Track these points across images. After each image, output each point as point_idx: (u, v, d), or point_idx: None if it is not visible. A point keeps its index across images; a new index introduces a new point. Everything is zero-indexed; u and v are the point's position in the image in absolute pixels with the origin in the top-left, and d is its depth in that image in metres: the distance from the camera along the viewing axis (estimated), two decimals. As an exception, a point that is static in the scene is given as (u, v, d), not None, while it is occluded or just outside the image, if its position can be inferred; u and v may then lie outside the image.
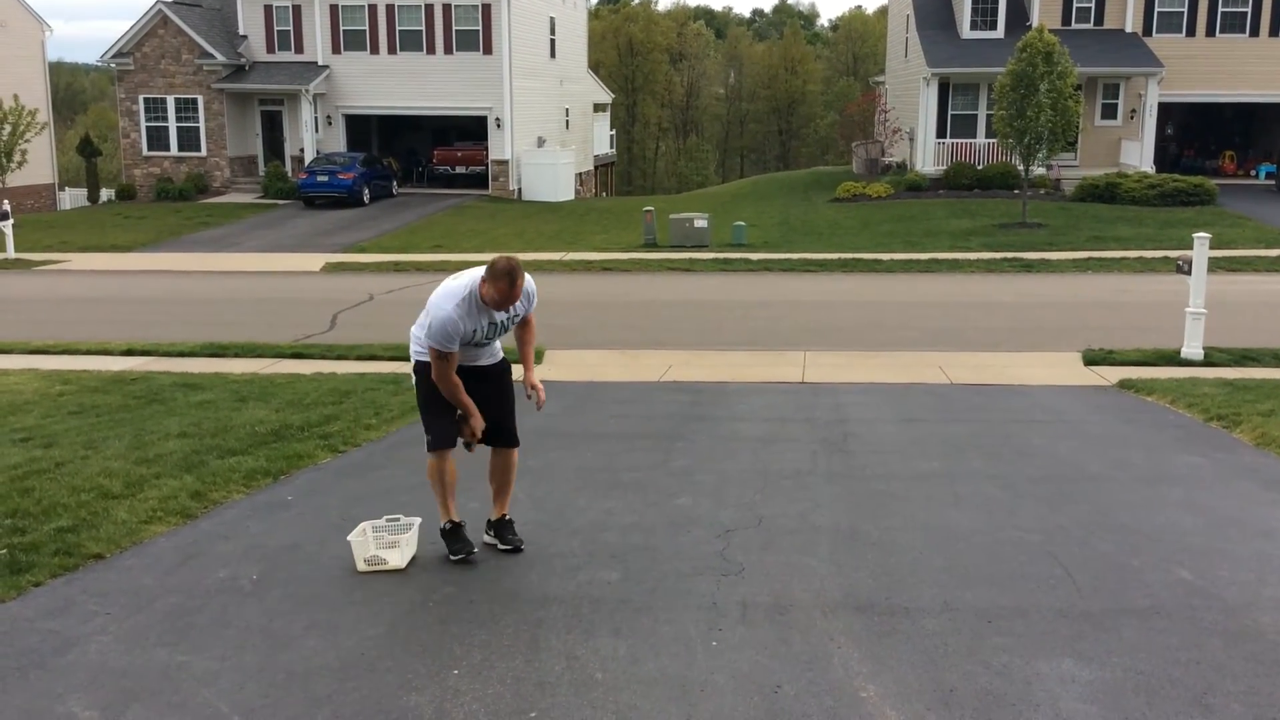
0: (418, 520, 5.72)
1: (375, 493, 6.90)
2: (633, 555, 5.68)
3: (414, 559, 5.60)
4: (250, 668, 4.42)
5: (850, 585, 5.25)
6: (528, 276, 5.52)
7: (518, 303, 5.55)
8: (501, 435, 5.86)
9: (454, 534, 5.72)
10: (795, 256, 22.20)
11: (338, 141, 35.38)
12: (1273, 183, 32.10)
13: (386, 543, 5.58)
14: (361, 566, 5.48)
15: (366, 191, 32.59)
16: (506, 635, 4.69)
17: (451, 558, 5.65)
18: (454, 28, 34.40)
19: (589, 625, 4.78)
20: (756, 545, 5.81)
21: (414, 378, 5.80)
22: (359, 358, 12.24)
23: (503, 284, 5.39)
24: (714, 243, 24.35)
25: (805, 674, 4.30)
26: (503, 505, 5.93)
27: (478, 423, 5.66)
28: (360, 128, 37.07)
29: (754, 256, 22.39)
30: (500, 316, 5.57)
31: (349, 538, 5.56)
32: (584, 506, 6.59)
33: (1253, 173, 34.20)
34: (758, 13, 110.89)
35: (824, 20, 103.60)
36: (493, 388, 5.81)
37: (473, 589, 5.22)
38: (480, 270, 5.50)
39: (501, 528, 5.88)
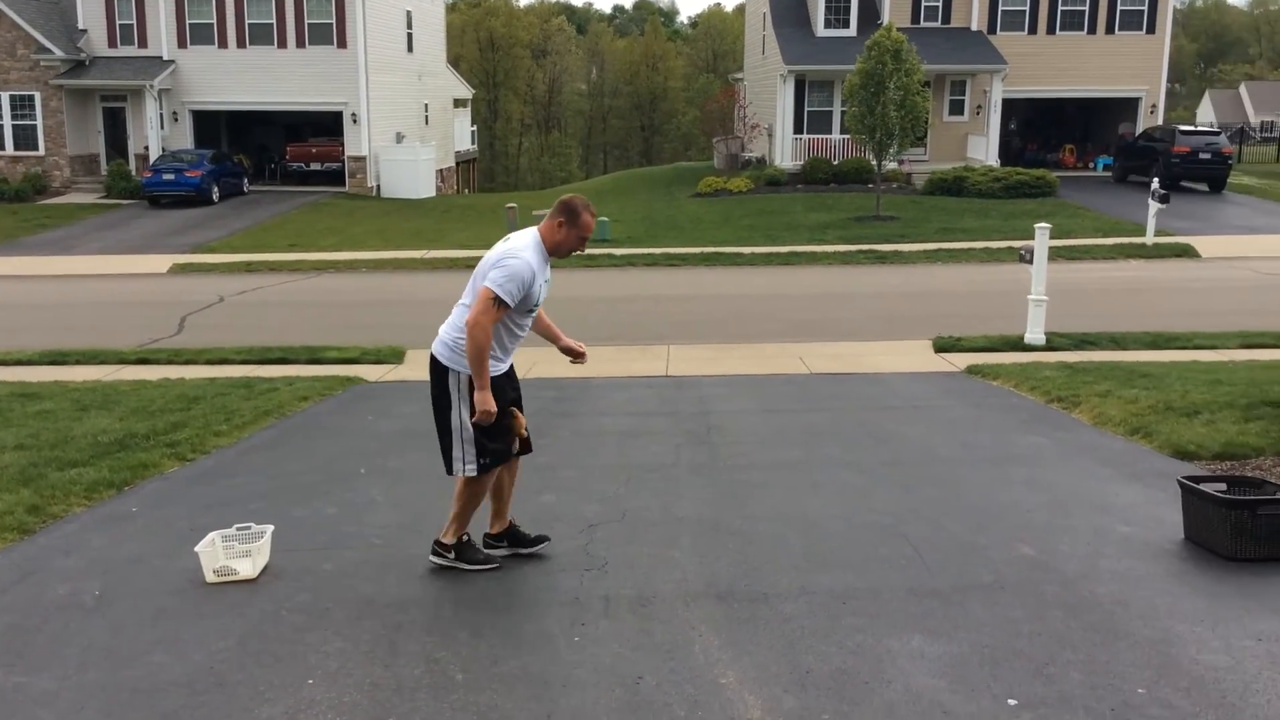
0: (270, 528, 5.55)
1: (226, 501, 6.68)
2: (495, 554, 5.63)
3: (266, 568, 5.44)
4: (92, 686, 4.23)
5: (711, 575, 5.31)
6: None
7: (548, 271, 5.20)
8: (528, 442, 5.51)
9: (472, 545, 5.45)
10: (658, 251, 22.36)
11: (185, 139, 34.15)
12: (1110, 174, 33.71)
13: (237, 552, 5.40)
14: (211, 578, 5.30)
15: (216, 190, 31.53)
16: (364, 641, 4.59)
17: (482, 567, 5.38)
18: (306, 20, 33.56)
19: (449, 627, 4.72)
20: (620, 539, 5.83)
21: (449, 396, 5.18)
22: (209, 362, 11.84)
23: (585, 216, 5.09)
24: (577, 238, 24.31)
25: (667, 664, 4.33)
26: (507, 513, 5.62)
27: (521, 420, 5.36)
28: (209, 124, 35.87)
29: (618, 252, 22.47)
30: (548, 275, 5.19)
31: (197, 548, 5.37)
32: (445, 507, 6.47)
33: (1091, 165, 35.88)
34: (619, 9, 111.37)
35: (684, 17, 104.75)
36: (518, 393, 5.44)
37: (328, 596, 5.10)
38: (529, 229, 5.21)
39: (516, 535, 5.60)
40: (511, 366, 5.40)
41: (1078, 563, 5.36)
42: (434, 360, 5.26)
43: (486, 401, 5.00)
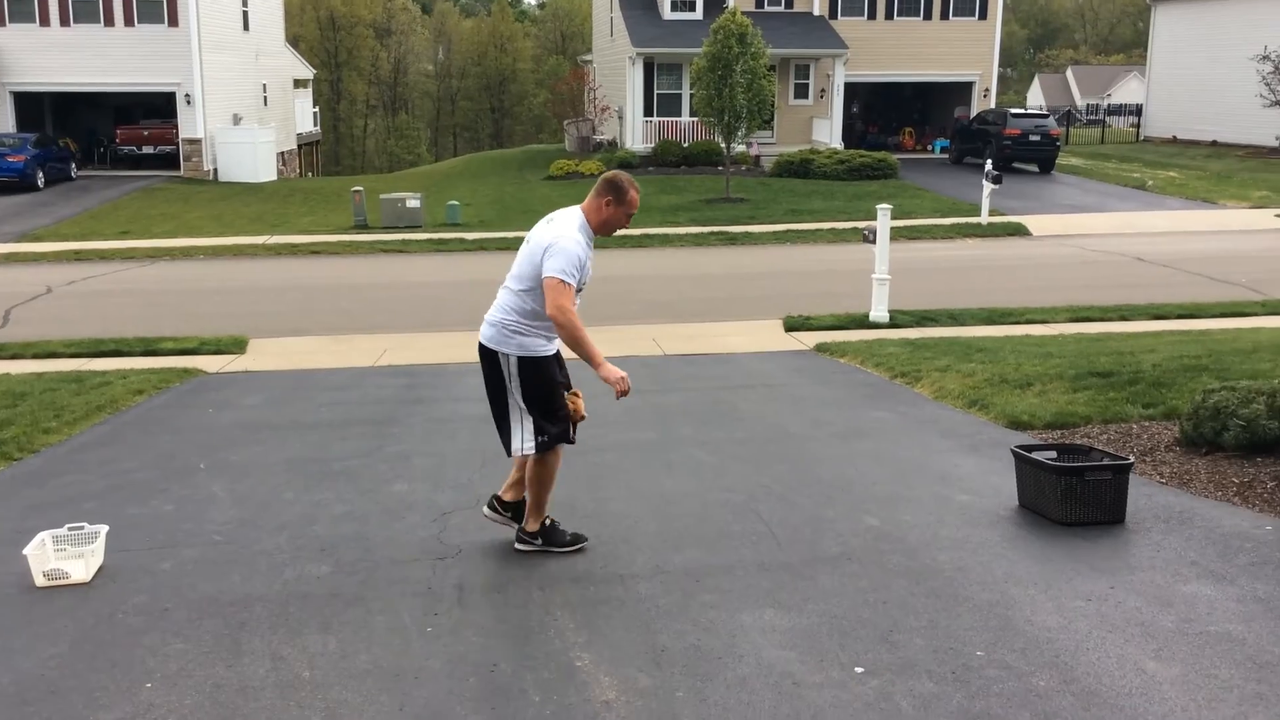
0: (103, 528, 5.29)
1: (56, 501, 6.34)
2: (344, 546, 5.50)
3: (101, 569, 5.18)
4: (-93, 705, 3.96)
5: (566, 558, 5.30)
6: None
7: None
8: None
9: (557, 528, 5.37)
10: (511, 235, 22.16)
11: (6, 122, 32.24)
12: (947, 156, 34.94)
13: (69, 554, 5.13)
14: (41, 581, 5.02)
15: (40, 175, 29.86)
16: (206, 642, 4.42)
17: (571, 548, 5.32)
18: (135, -2, 32.03)
19: (297, 623, 4.59)
20: (474, 526, 5.76)
21: (501, 379, 5.11)
22: (36, 356, 11.21)
23: (632, 193, 5.13)
24: (428, 223, 23.97)
25: (522, 649, 4.31)
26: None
27: (580, 402, 5.27)
28: (31, 106, 33.94)
29: (469, 236, 22.20)
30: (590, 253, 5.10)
31: (25, 551, 5.07)
32: (291, 500, 6.32)
33: (930, 147, 37.13)
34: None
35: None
36: (567, 377, 5.36)
37: (166, 597, 4.89)
38: (572, 209, 5.09)
39: (519, 514, 5.48)
40: (559, 351, 5.33)
41: (920, 532, 5.55)
42: (482, 347, 5.21)
43: (610, 371, 4.99)
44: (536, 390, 5.14)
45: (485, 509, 5.58)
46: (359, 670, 4.16)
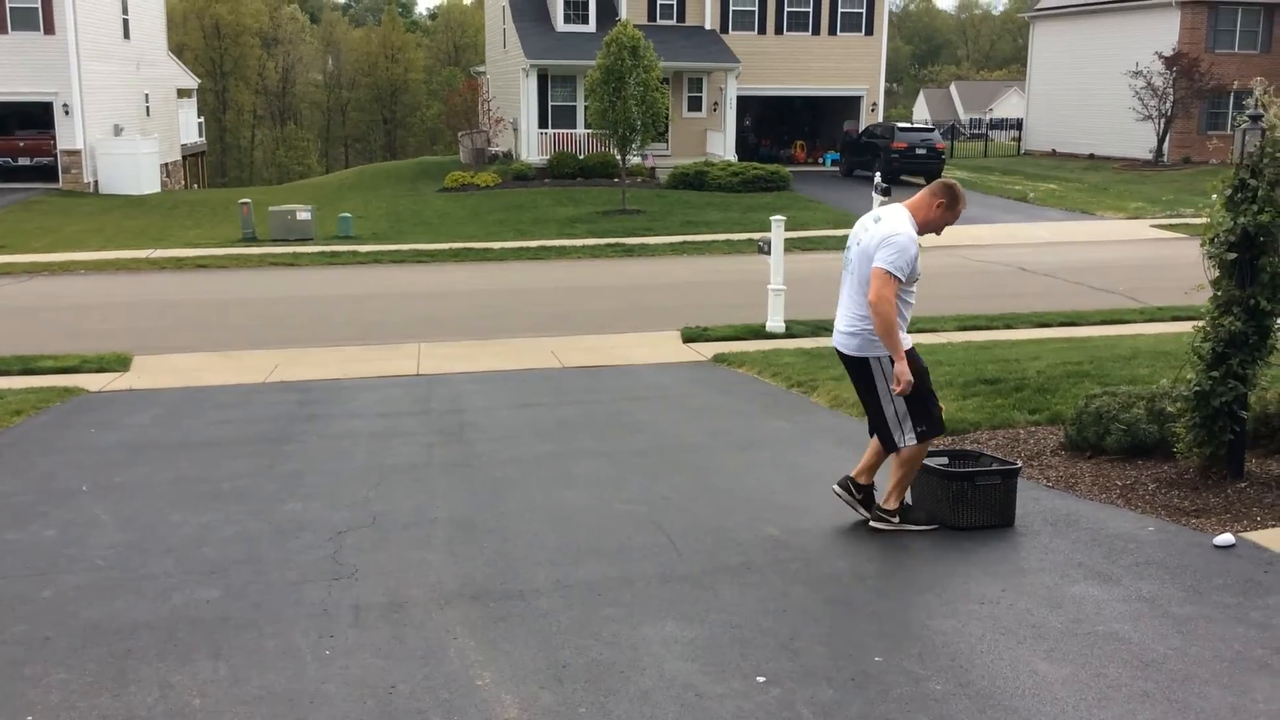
0: (-23, 555, 5.05)
1: (-75, 529, 6.03)
2: (234, 569, 5.34)
3: (-26, 600, 4.95)
4: None
5: (466, 575, 5.23)
6: None
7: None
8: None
9: (912, 507, 5.74)
10: (406, 247, 21.90)
11: None
12: (837, 169, 35.61)
13: (-61, 585, 4.89)
14: (-93, 615, 4.77)
15: (-93, 186, 28.51)
16: (90, 671, 4.25)
17: (927, 527, 5.65)
18: (9, 4, 30.81)
19: (185, 649, 4.43)
20: (370, 544, 5.65)
21: (872, 381, 5.51)
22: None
23: (963, 203, 5.45)
24: (319, 235, 23.52)
25: (421, 670, 4.23)
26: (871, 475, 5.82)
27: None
28: (-105, 114, 32.37)
29: (362, 248, 21.86)
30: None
31: (-110, 584, 4.82)
32: (179, 522, 6.11)
33: (820, 160, 37.81)
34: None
35: (422, 9, 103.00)
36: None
37: (47, 625, 4.68)
38: (896, 206, 5.41)
39: (869, 499, 5.78)
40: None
41: (819, 540, 5.62)
42: (849, 357, 5.63)
43: (904, 372, 5.32)
44: (913, 386, 5.41)
45: (836, 487, 5.85)
46: (251, 696, 4.03)
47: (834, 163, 36.51)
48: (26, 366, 10.93)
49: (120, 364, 11.23)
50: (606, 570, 5.25)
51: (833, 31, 35.99)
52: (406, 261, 20.51)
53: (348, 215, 24.62)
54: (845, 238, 20.53)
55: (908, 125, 35.02)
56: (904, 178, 31.60)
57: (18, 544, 5.77)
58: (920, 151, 31.50)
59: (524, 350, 11.90)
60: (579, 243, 22.28)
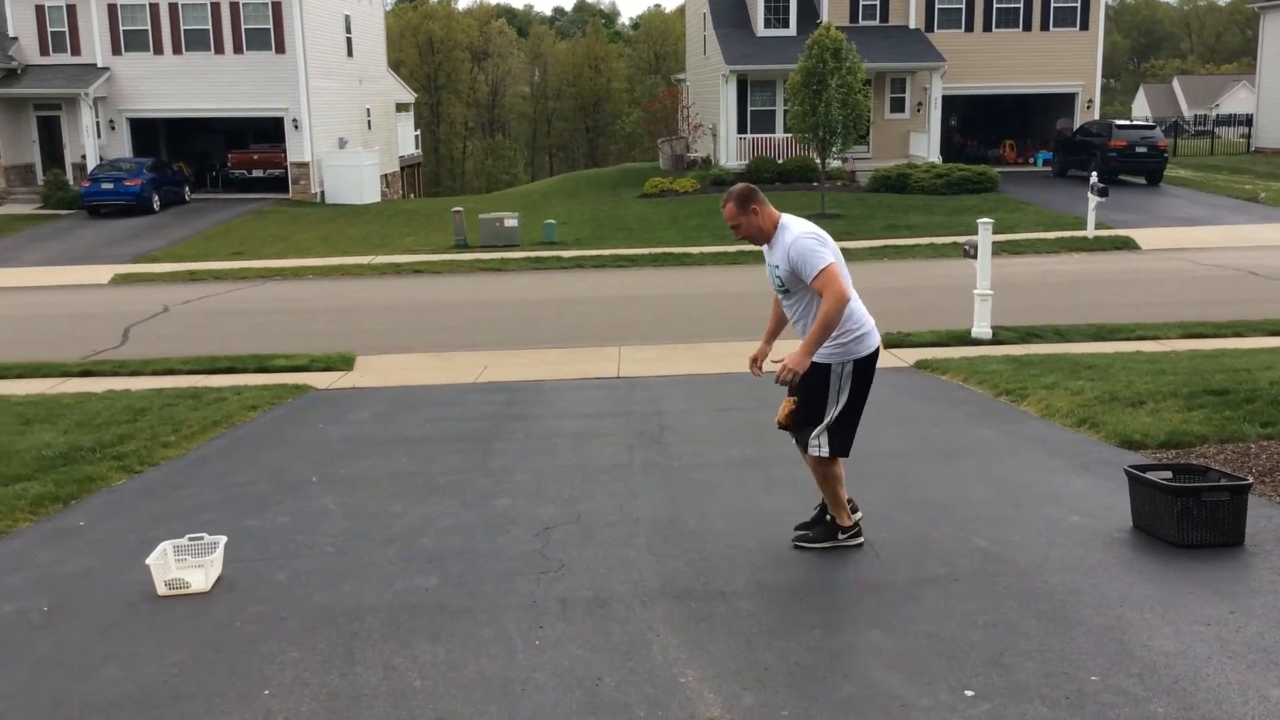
0: (222, 539, 5.47)
1: (176, 513, 6.57)
2: (450, 559, 5.60)
3: (220, 579, 5.36)
4: (44, 703, 4.15)
5: (668, 574, 5.32)
6: (776, 221, 5.31)
7: (775, 254, 5.28)
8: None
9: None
10: (607, 253, 22.35)
11: (123, 147, 33.60)
12: (1050, 169, 34.23)
13: (189, 564, 5.32)
14: (162, 590, 5.21)
15: (156, 198, 31.07)
16: (320, 650, 4.54)
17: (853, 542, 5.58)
18: (243, 26, 33.18)
19: (406, 633, 4.68)
20: (575, 541, 5.82)
21: (838, 382, 5.38)
22: (155, 373, 11.65)
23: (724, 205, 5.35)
24: (525, 241, 24.29)
25: (625, 664, 4.33)
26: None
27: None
28: (147, 132, 35.31)
29: (566, 254, 22.43)
30: (772, 260, 5.33)
31: (148, 560, 5.28)
32: (399, 513, 6.46)
33: (1031, 160, 36.43)
34: (559, 11, 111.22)
35: (625, 19, 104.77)
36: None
37: (282, 606, 5.04)
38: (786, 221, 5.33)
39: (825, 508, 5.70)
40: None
41: (1030, 553, 5.44)
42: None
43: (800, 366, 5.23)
44: (848, 396, 5.49)
45: (795, 533, 5.74)
46: (468, 680, 4.23)
47: (1046, 163, 35.11)
48: (261, 365, 11.75)
49: (345, 363, 11.93)
50: (807, 575, 5.23)
51: (1044, 27, 34.61)
52: (607, 266, 20.93)
53: (552, 222, 25.33)
54: (1058, 240, 19.80)
55: (1126, 123, 33.34)
56: (1122, 177, 30.14)
57: (255, 530, 6.21)
58: (1140, 150, 29.96)
59: (721, 354, 11.96)
60: (778, 247, 22.16)
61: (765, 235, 5.35)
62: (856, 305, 5.40)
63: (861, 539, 5.61)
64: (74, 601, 5.20)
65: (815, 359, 5.23)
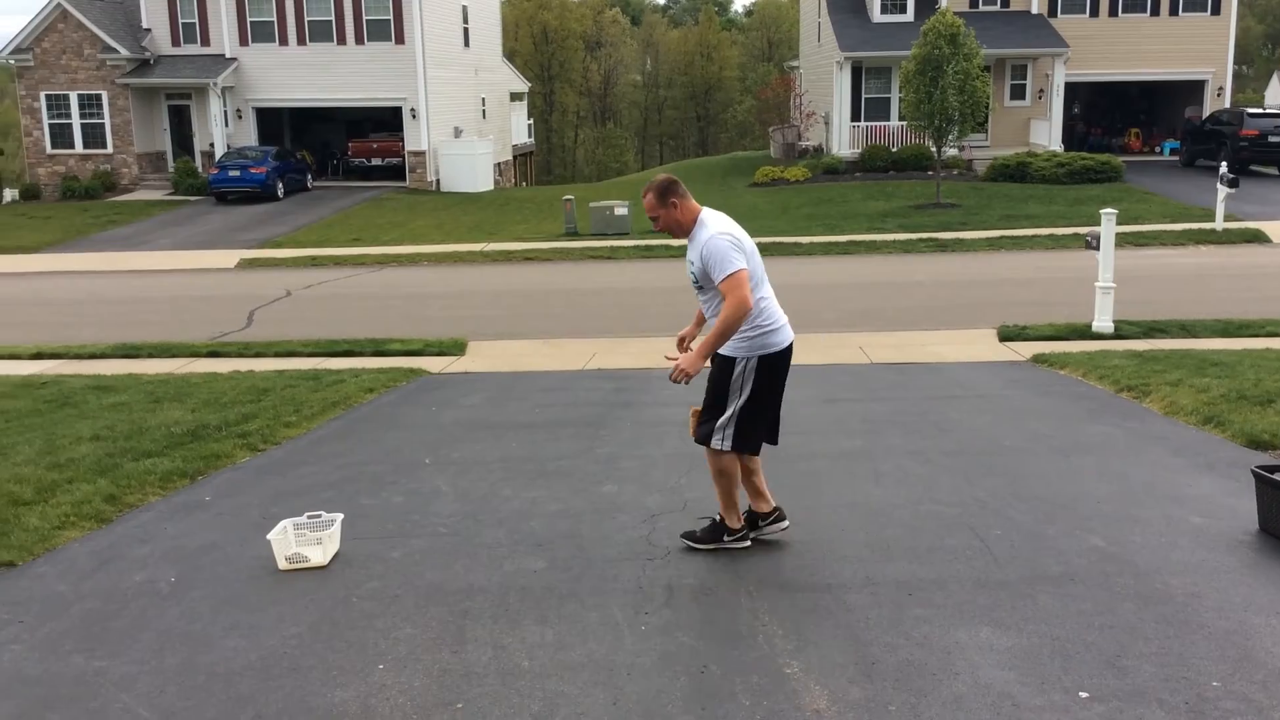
0: (339, 516, 5.65)
1: (296, 490, 6.80)
2: (559, 543, 5.68)
3: (337, 555, 5.53)
4: (170, 670, 4.34)
5: (774, 564, 5.31)
6: (698, 218, 5.21)
7: (691, 249, 5.22)
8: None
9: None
10: (716, 241, 22.29)
11: (248, 135, 34.69)
12: (1177, 159, 33.02)
13: (308, 540, 5.50)
14: (283, 565, 5.40)
15: (280, 185, 32.04)
16: (432, 628, 4.66)
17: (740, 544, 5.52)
18: (365, 17, 33.92)
19: (515, 614, 4.77)
20: (682, 529, 5.83)
21: (751, 381, 5.32)
22: (277, 354, 12.03)
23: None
24: (635, 230, 24.38)
25: (731, 653, 4.34)
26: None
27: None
28: (271, 121, 36.39)
29: (674, 243, 22.43)
30: (689, 255, 5.28)
31: (269, 536, 5.47)
32: (509, 496, 6.57)
33: (1158, 149, 35.18)
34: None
35: (738, 6, 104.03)
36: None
37: (396, 584, 5.17)
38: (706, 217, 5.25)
39: (779, 514, 5.65)
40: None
41: (1149, 554, 5.28)
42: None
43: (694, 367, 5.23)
44: (751, 390, 5.42)
45: (751, 535, 5.61)
46: (574, 663, 4.29)
47: (1173, 151, 33.87)
48: (378, 348, 12.05)
49: (457, 348, 12.15)
50: (917, 570, 5.17)
51: (1174, 12, 33.35)
52: (717, 255, 20.85)
53: (662, 210, 25.35)
54: (1185, 232, 19.15)
55: (1259, 110, 31.90)
56: (1253, 168, 28.91)
57: (371, 509, 6.39)
58: (1274, 139, 28.65)
59: (830, 345, 11.85)
60: (889, 237, 21.87)
61: (684, 229, 5.28)
62: (769, 303, 5.30)
63: (748, 543, 5.50)
64: (199, 573, 5.43)
65: (722, 351, 5.22)
